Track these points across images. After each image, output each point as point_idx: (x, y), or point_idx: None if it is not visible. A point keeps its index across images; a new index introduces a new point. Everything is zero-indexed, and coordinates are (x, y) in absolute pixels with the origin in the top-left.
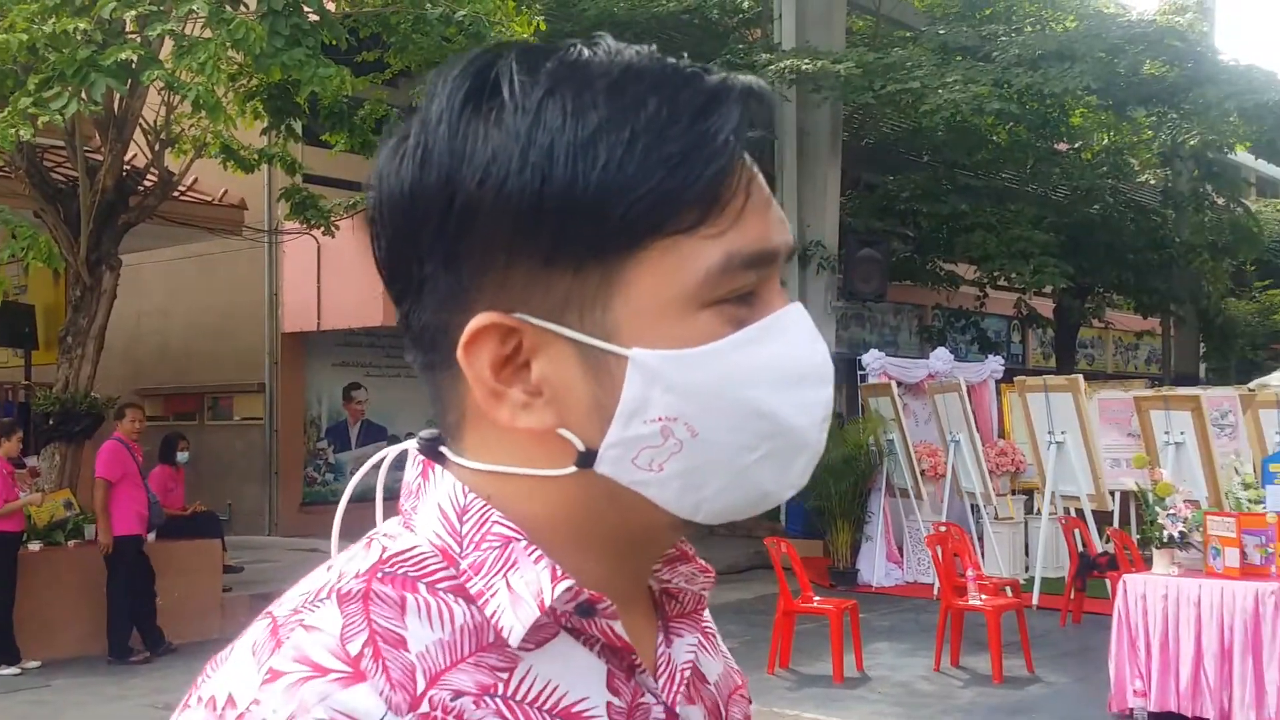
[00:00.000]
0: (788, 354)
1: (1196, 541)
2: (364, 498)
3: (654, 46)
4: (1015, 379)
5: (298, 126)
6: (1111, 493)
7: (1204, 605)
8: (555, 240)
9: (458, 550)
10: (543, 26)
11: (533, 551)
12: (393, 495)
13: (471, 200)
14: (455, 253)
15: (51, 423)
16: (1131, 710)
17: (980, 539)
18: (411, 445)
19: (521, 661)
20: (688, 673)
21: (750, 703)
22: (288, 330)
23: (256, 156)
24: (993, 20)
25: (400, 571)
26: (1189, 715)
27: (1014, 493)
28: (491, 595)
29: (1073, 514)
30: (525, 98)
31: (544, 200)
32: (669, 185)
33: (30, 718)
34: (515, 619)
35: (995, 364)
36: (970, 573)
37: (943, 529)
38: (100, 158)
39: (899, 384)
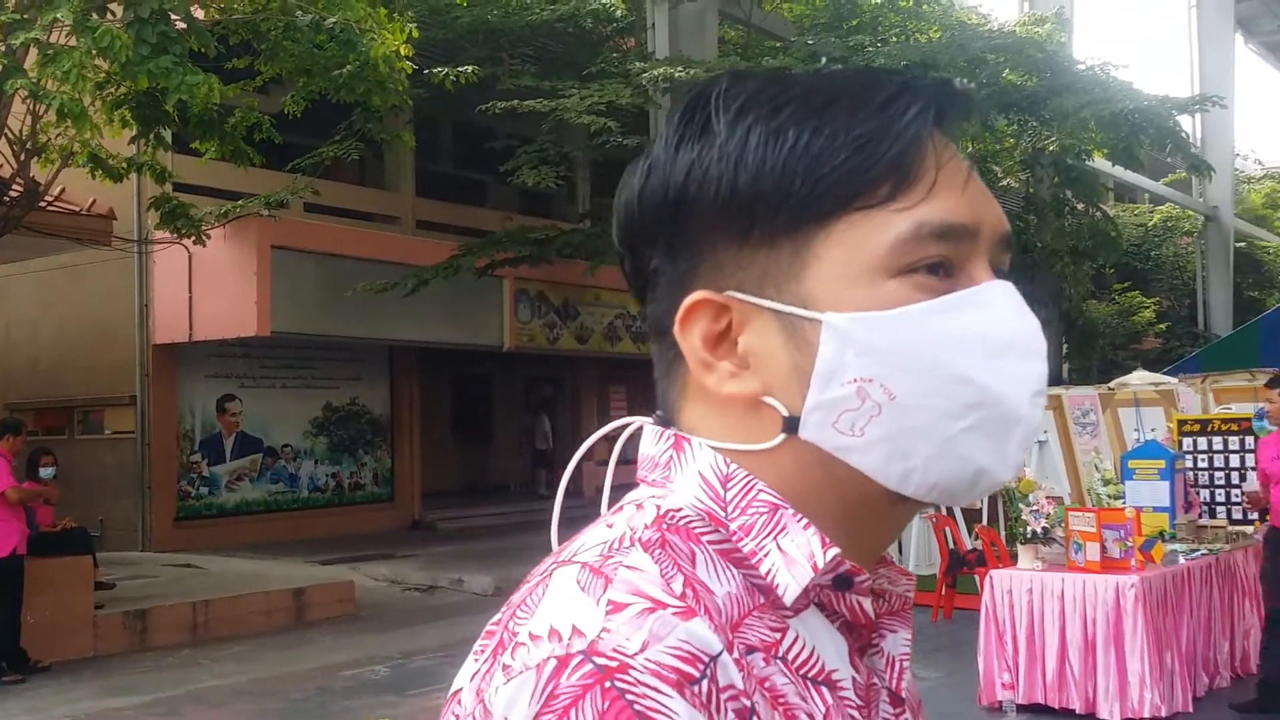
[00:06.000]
0: (990, 324)
1: (1059, 537)
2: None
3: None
4: None
5: (167, 134)
6: None
7: (1067, 599)
8: (750, 218)
9: (723, 514)
10: (415, 34)
11: (800, 518)
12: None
13: (681, 192)
14: (673, 244)
15: None
16: (1000, 703)
17: None
18: (648, 422)
19: (790, 626)
20: (906, 663)
21: None
22: (159, 342)
23: (125, 165)
24: (859, 31)
25: (682, 525)
26: (1056, 707)
27: None
28: (764, 555)
29: (943, 512)
30: (728, 107)
31: (738, 182)
32: (855, 162)
33: None
34: (790, 578)
35: None
36: None
37: None
38: None
39: None
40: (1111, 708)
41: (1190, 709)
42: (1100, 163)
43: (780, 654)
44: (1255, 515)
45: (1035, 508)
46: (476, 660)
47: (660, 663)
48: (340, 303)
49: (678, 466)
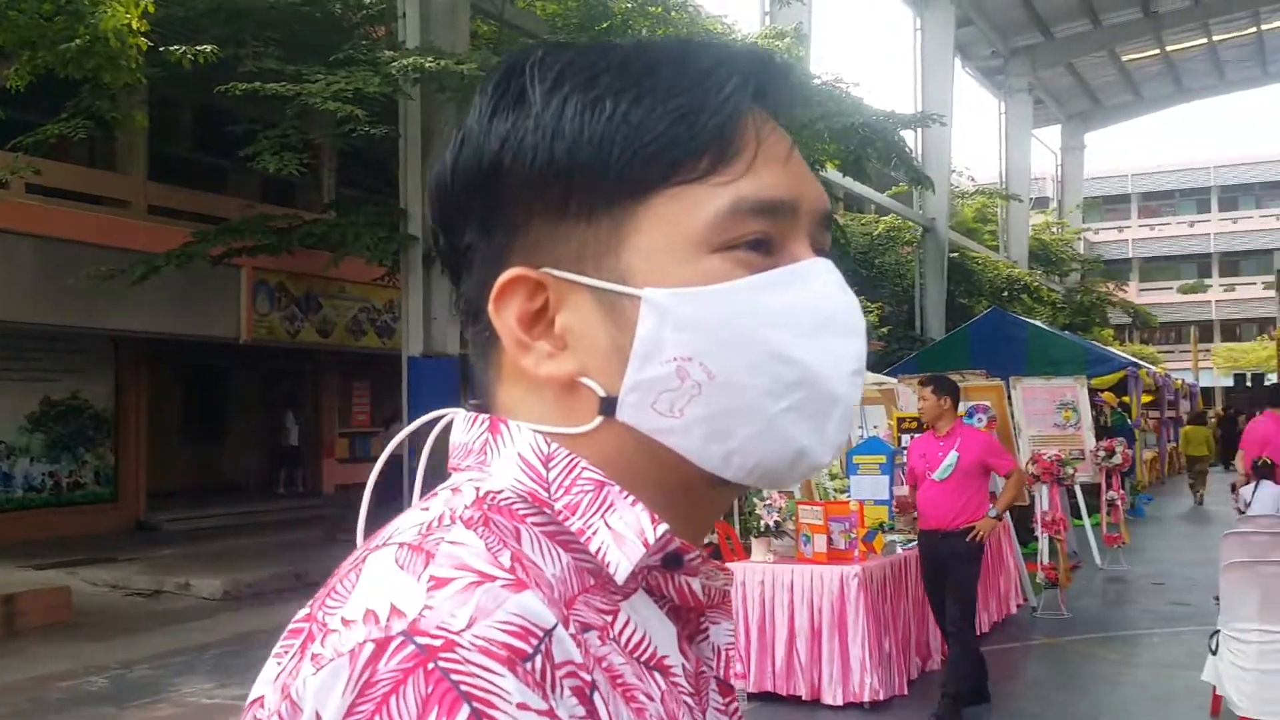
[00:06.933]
0: (811, 301)
1: (790, 530)
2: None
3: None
4: None
5: None
6: None
7: (796, 589)
8: (566, 191)
9: (546, 495)
10: (151, 9)
11: (627, 495)
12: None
13: (495, 163)
14: (487, 218)
15: None
16: None
17: None
18: (460, 413)
19: (621, 609)
20: (732, 652)
21: None
22: None
23: None
24: (610, 34)
25: (504, 506)
26: (784, 694)
27: None
28: (593, 533)
29: None
30: (544, 76)
31: (554, 153)
32: (674, 133)
33: None
34: (621, 555)
35: None
36: None
37: None
38: None
39: None
40: (835, 693)
41: (906, 692)
42: (832, 173)
43: (614, 635)
44: None
45: (768, 502)
46: (280, 661)
47: (489, 639)
48: (62, 290)
49: (494, 450)
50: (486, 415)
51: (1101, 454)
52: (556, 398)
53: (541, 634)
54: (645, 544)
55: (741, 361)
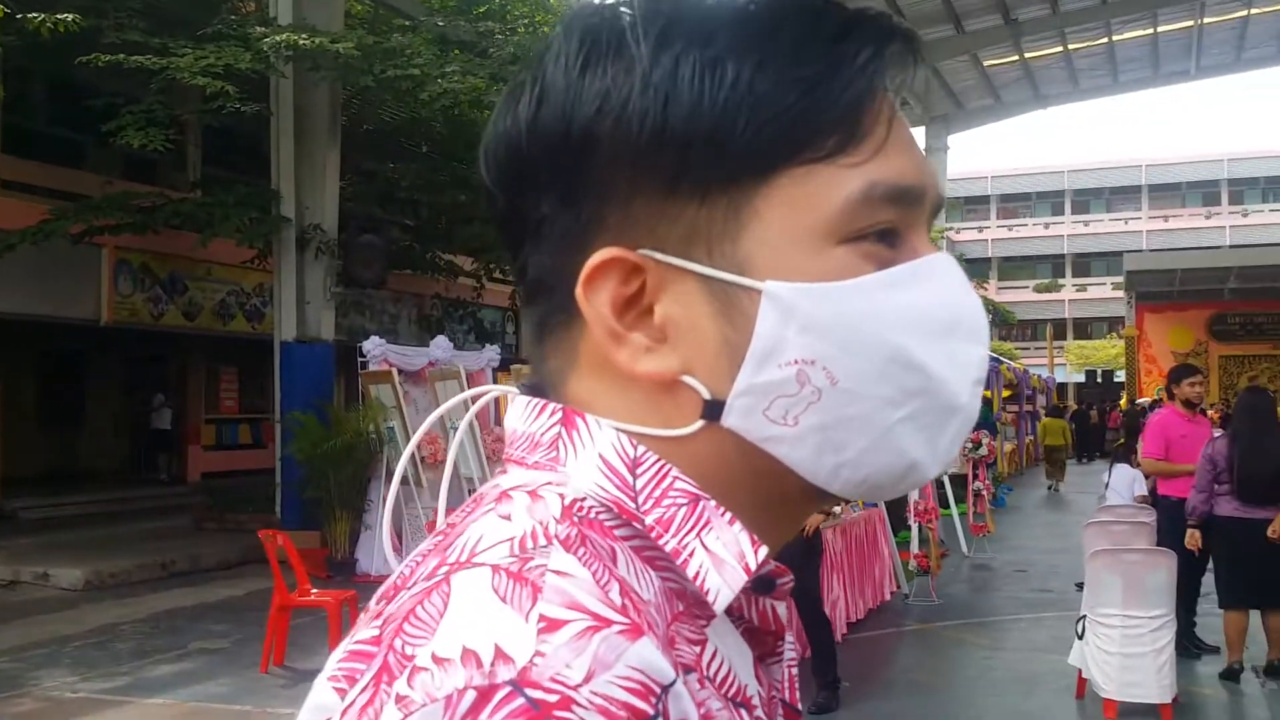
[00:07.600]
0: (939, 301)
1: None
2: None
3: None
4: (511, 367)
5: None
6: None
7: None
8: (679, 166)
9: (634, 506)
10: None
11: (724, 512)
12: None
13: (589, 128)
14: (573, 188)
15: None
16: None
17: None
18: (517, 395)
19: (708, 638)
20: (794, 670)
21: None
22: None
23: None
24: (488, 18)
25: (594, 519)
26: None
27: None
28: (689, 555)
29: None
30: (647, 30)
31: (667, 122)
32: (804, 106)
33: None
34: (722, 582)
35: (492, 353)
36: None
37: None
38: None
39: (400, 371)
40: None
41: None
42: None
43: (709, 673)
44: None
45: None
46: (343, 689)
47: (608, 697)
48: None
49: (568, 447)
50: (559, 405)
51: (968, 445)
52: (648, 396)
53: (660, 690)
54: (746, 569)
55: (867, 367)
